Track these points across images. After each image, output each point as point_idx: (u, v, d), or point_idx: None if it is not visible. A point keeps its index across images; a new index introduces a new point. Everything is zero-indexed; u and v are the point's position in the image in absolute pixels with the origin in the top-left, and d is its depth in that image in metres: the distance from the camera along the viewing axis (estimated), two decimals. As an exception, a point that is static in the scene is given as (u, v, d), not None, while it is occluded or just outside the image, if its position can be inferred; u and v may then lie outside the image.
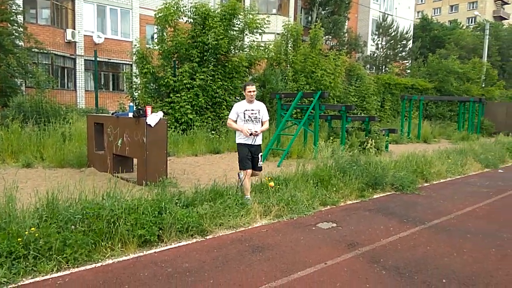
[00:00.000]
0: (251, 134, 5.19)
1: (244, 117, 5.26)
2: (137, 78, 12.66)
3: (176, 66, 12.24)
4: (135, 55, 12.25)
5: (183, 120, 11.50)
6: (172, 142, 9.79)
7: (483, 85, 27.63)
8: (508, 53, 40.22)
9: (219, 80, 12.23)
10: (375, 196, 6.46)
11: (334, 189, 6.16)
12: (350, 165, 6.82)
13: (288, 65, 15.06)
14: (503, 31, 42.05)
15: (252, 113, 5.28)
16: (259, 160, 5.39)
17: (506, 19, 57.91)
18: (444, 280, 3.34)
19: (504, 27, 44.38)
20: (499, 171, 9.62)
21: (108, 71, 21.26)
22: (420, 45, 33.49)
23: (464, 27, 45.21)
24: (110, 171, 6.54)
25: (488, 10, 57.31)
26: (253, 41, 13.56)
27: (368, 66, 29.14)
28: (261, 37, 14.32)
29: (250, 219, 4.81)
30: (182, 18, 12.63)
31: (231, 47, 12.95)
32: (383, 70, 29.44)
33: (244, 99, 5.41)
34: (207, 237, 4.28)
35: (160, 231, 4.11)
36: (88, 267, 3.49)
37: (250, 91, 5.27)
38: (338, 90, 16.17)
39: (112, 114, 7.49)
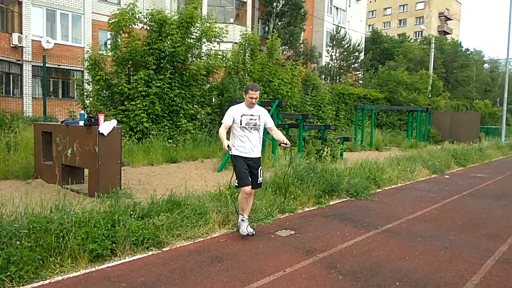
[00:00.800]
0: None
1: (241, 124, 4.49)
2: (89, 85, 12.19)
3: (131, 73, 11.93)
4: (87, 61, 11.81)
5: (138, 128, 11.20)
6: (127, 152, 9.49)
7: (430, 96, 29.33)
8: (452, 65, 43.12)
9: (176, 88, 12.05)
10: (331, 203, 6.59)
11: (292, 196, 6.22)
12: (308, 173, 6.93)
13: (246, 74, 15.15)
14: (447, 45, 45.06)
15: (251, 119, 4.52)
16: (259, 176, 4.66)
17: (449, 33, 62.18)
18: (397, 283, 3.45)
19: (447, 41, 47.58)
20: (445, 176, 10.19)
21: (58, 77, 20.34)
22: (371, 57, 35.08)
23: (411, 41, 47.94)
24: (59, 182, 6.20)
25: (433, 25, 61.28)
26: (211, 49, 13.53)
27: (323, 76, 30.03)
28: (219, 45, 14.34)
29: (209, 229, 4.73)
30: (137, 24, 12.37)
31: (189, 55, 12.84)
32: (338, 81, 30.47)
33: (243, 101, 4.66)
34: (164, 249, 4.15)
35: (114, 244, 3.93)
36: (34, 285, 3.26)
37: (252, 97, 4.46)
38: (295, 99, 16.47)
39: (62, 122, 7.15)
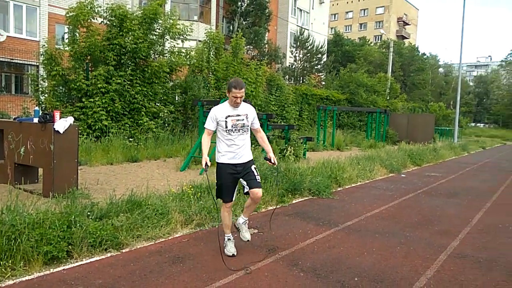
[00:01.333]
0: (206, 165, 3.81)
1: (226, 127, 3.85)
2: (44, 81, 11.63)
3: (90, 69, 11.51)
4: (42, 56, 11.27)
5: (97, 126, 10.83)
6: (84, 150, 9.15)
7: (388, 98, 30.43)
8: (409, 69, 44.99)
9: (138, 85, 11.76)
10: (294, 201, 6.68)
11: (256, 195, 6.23)
12: (271, 172, 6.98)
13: (210, 73, 15.05)
14: (404, 49, 46.97)
15: (237, 120, 3.87)
16: (256, 174, 3.96)
17: (407, 38, 64.81)
18: (356, 279, 3.55)
19: (405, 45, 49.61)
20: (402, 175, 10.61)
21: (11, 72, 19.28)
22: (333, 59, 35.90)
23: (372, 44, 49.53)
24: (11, 182, 5.89)
25: (392, 29, 63.61)
26: (174, 46, 13.32)
27: (287, 77, 30.38)
28: (182, 43, 14.14)
29: (171, 229, 4.65)
30: (96, 18, 11.94)
31: (151, 51, 12.57)
32: (301, 81, 30.93)
33: (227, 100, 3.99)
34: (123, 251, 4.04)
35: (70, 246, 3.77)
36: (-19, 291, 3.07)
37: (236, 96, 3.75)
38: (259, 99, 16.54)
39: (15, 119, 6.78)
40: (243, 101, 3.95)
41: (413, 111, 33.08)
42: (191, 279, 3.41)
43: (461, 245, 4.66)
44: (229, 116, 3.87)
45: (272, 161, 3.98)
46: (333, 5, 61.36)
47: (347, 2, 67.93)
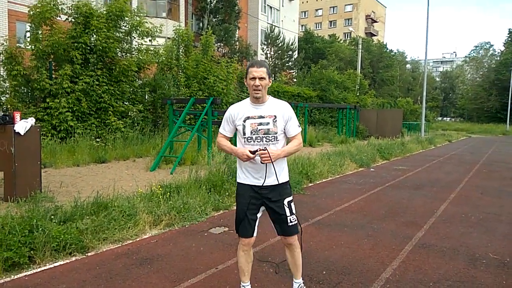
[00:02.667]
0: (254, 154, 2.63)
1: (244, 133, 2.74)
2: (4, 81, 11.16)
3: (53, 68, 11.12)
4: (2, 55, 10.79)
5: (62, 127, 10.50)
6: (49, 152, 8.86)
7: (358, 94, 31.03)
8: (378, 65, 46.05)
9: (105, 84, 11.48)
10: (265, 198, 6.69)
11: (227, 193, 6.21)
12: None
13: (180, 71, 14.86)
14: (373, 46, 48.01)
15: (260, 124, 2.71)
16: (287, 213, 2.79)
17: (375, 35, 66.25)
18: (324, 272, 3.60)
19: (374, 42, 50.71)
20: (371, 170, 10.84)
21: (-32, 71, 18.31)
22: (304, 56, 36.27)
23: (341, 41, 50.36)
24: (-32, 187, 5.60)
25: (361, 27, 64.88)
26: (142, 44, 13.07)
27: (258, 74, 30.39)
28: (151, 41, 13.90)
29: (139, 231, 4.57)
30: (60, 16, 11.55)
31: (118, 49, 12.28)
32: (273, 79, 31.07)
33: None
34: (89, 254, 3.93)
35: (32, 251, 3.64)
36: None
37: (253, 77, 2.66)
38: (231, 96, 16.49)
39: (-29, 121, 6.44)
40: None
41: (382, 106, 33.89)
42: (159, 280, 3.36)
43: (426, 235, 4.82)
44: (248, 118, 2.73)
45: (262, 149, 2.64)
46: (302, 2, 61.90)
47: (317, 0, 68.71)
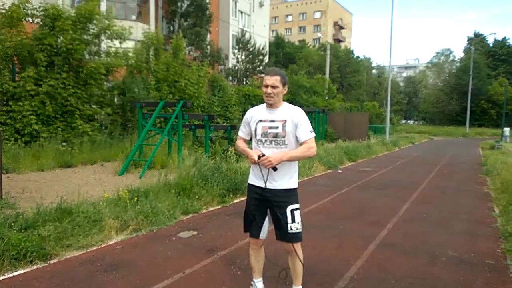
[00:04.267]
0: (258, 160, 2.73)
1: (256, 135, 2.88)
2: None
3: (17, 70, 10.73)
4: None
5: (26, 131, 10.15)
6: (12, 157, 8.53)
7: (326, 98, 31.65)
8: (345, 70, 47.12)
9: (71, 87, 11.17)
10: (235, 201, 6.72)
11: (197, 197, 6.20)
12: (212, 173, 6.97)
13: (150, 74, 14.68)
14: (341, 51, 49.12)
15: (270, 128, 2.83)
16: (288, 220, 2.85)
17: (343, 41, 67.77)
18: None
19: (341, 48, 51.89)
20: (339, 171, 11.09)
21: None
22: (275, 60, 36.68)
23: (311, 47, 51.23)
24: None
25: (329, 33, 66.20)
26: (111, 47, 12.82)
27: (230, 78, 30.45)
28: (120, 44, 13.67)
29: (104, 237, 4.48)
30: (27, 19, 11.19)
31: (86, 52, 12.00)
32: (244, 83, 31.16)
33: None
34: (51, 262, 3.82)
35: (-10, 261, 3.50)
36: None
37: (265, 85, 2.78)
38: (202, 100, 16.44)
39: None
40: (289, 103, 2.94)
41: (349, 110, 34.68)
42: (124, 287, 3.32)
43: (389, 234, 4.99)
44: (261, 121, 2.85)
45: (261, 155, 2.74)
46: (273, 8, 62.56)
47: (287, 6, 69.65)
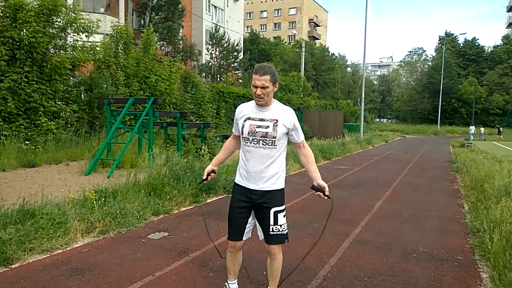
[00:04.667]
0: (205, 180, 2.94)
1: (243, 133, 2.76)
2: None
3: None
4: None
5: (-15, 129, 9.61)
6: (-30, 156, 8.05)
7: (302, 96, 31.86)
8: (320, 68, 47.62)
9: (35, 82, 10.68)
10: (208, 201, 6.60)
11: (168, 197, 6.03)
12: (185, 172, 6.81)
13: (119, 69, 14.25)
14: (316, 49, 49.60)
15: (258, 127, 2.71)
16: (271, 223, 2.78)
17: (318, 39, 68.45)
18: (264, 273, 3.59)
19: (316, 45, 52.39)
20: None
21: None
22: (249, 57, 36.52)
23: (286, 44, 51.44)
24: None
25: (304, 30, 66.69)
26: (77, 40, 12.35)
27: (204, 74, 30.13)
28: (87, 37, 13.20)
29: (69, 239, 4.26)
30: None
31: (50, 46, 11.50)
32: (218, 79, 30.92)
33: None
34: (12, 266, 3.59)
35: None
36: None
37: (254, 85, 2.64)
38: (174, 97, 16.14)
39: None
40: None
41: (324, 108, 35.08)
42: (90, 292, 3.15)
43: (362, 232, 5.01)
44: (249, 118, 2.74)
45: (324, 193, 2.75)
46: (247, 4, 62.37)
47: (261, 2, 69.56)
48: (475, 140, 28.37)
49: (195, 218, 5.50)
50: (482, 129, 36.03)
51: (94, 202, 4.99)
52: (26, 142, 9.87)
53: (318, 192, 2.78)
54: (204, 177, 2.92)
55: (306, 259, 3.95)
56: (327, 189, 2.72)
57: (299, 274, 3.60)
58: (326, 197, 2.74)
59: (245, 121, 2.74)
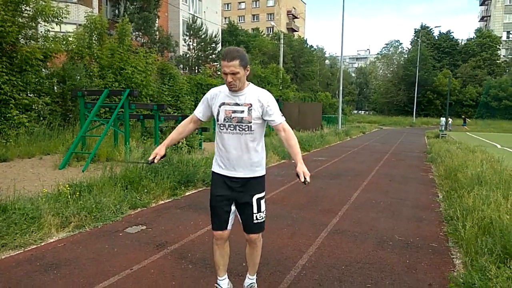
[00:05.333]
0: (152, 163, 2.74)
1: (218, 119, 2.65)
2: None
3: None
4: None
5: (-47, 122, 9.21)
6: None
7: (281, 88, 31.91)
8: (299, 60, 47.74)
9: (5, 74, 10.30)
10: (187, 194, 6.54)
11: (145, 190, 5.94)
12: (162, 165, 6.72)
13: (93, 60, 13.88)
14: (294, 41, 49.65)
15: (233, 112, 2.61)
16: (254, 211, 2.72)
17: (296, 31, 68.53)
18: (244, 264, 3.58)
19: (295, 38, 52.45)
20: (292, 161, 11.17)
21: None
22: (228, 49, 36.19)
23: (264, 36, 51.27)
24: None
25: (282, 22, 66.60)
26: (49, 31, 11.93)
27: (181, 66, 29.72)
28: (59, 27, 12.77)
29: (44, 235, 4.15)
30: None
31: (20, 36, 11.07)
32: (197, 71, 30.57)
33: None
34: (-18, 264, 3.47)
35: None
36: None
37: (224, 73, 2.51)
38: (151, 88, 15.87)
39: None
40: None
41: (303, 100, 35.27)
42: (66, 287, 3.08)
43: (340, 221, 5.08)
44: (224, 104, 2.63)
45: (302, 179, 2.52)
46: (226, -5, 61.75)
47: (239, -7, 69.02)
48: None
49: (173, 211, 5.46)
50: (450, 120, 37.10)
51: (69, 196, 4.87)
52: (-4, 136, 9.55)
53: (299, 177, 2.60)
54: (151, 158, 2.73)
55: (284, 249, 3.99)
56: (301, 175, 2.52)
57: (278, 264, 3.63)
58: (302, 182, 2.54)
59: (220, 106, 2.63)
